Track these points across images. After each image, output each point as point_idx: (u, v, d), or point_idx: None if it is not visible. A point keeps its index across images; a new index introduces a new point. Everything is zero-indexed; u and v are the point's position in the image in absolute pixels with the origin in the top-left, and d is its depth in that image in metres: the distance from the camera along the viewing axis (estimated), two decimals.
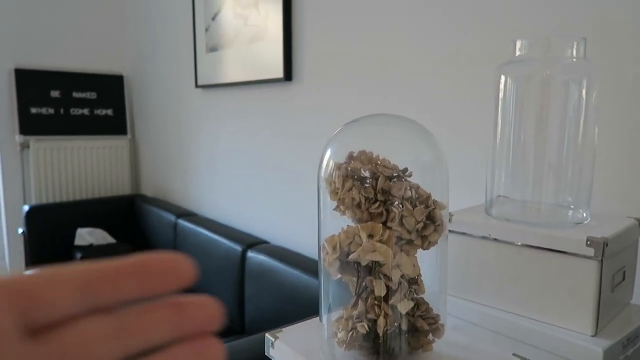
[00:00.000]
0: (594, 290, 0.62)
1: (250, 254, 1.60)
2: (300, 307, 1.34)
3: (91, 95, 2.67)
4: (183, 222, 2.04)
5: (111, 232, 2.42)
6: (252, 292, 1.57)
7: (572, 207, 0.74)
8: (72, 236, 2.29)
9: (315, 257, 1.52)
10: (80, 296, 0.17)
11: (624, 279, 0.69)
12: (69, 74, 2.59)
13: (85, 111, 2.66)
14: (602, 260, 0.61)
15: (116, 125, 2.75)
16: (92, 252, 2.19)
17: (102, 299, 0.17)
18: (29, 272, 0.16)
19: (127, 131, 2.78)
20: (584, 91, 0.72)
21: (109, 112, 2.72)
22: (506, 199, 0.78)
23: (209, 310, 0.18)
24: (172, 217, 2.13)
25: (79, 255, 2.15)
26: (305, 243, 1.60)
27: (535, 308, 0.67)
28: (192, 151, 2.26)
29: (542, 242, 0.66)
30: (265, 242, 1.70)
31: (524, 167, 0.77)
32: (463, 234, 0.74)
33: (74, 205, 2.47)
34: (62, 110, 2.58)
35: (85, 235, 2.27)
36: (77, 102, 2.62)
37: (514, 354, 0.53)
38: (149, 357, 0.17)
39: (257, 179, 1.82)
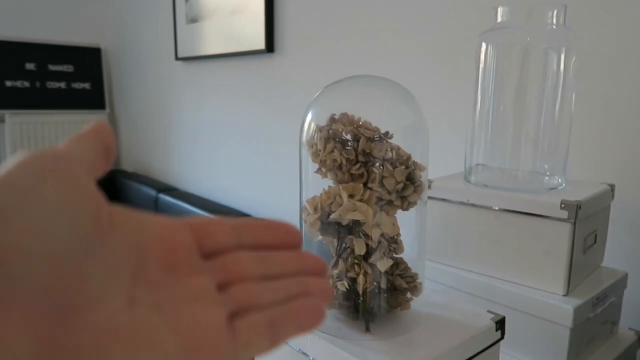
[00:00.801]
0: (566, 252, 0.64)
1: None
2: None
3: (68, 68, 2.61)
4: (164, 197, 2.03)
5: None
6: None
7: (548, 173, 0.76)
8: None
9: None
10: (234, 234, 0.23)
11: (595, 242, 0.72)
12: (44, 46, 2.51)
13: (62, 84, 2.59)
14: (575, 222, 0.63)
15: (94, 99, 2.69)
16: None
17: (246, 240, 0.23)
18: (199, 216, 0.23)
19: (105, 105, 2.72)
20: (562, 60, 0.73)
21: (87, 85, 2.66)
22: (485, 167, 0.79)
23: (319, 262, 0.25)
24: (153, 192, 2.12)
25: None
26: (288, 216, 1.61)
27: (511, 270, 0.69)
28: (173, 125, 2.23)
29: (518, 206, 0.68)
30: (247, 215, 1.70)
31: (503, 136, 0.78)
32: (442, 200, 0.76)
33: None
34: (38, 84, 2.51)
35: None
36: (53, 75, 2.56)
37: (488, 311, 0.55)
38: (283, 280, 0.23)
39: (239, 152, 1.82)
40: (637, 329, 0.77)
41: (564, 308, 0.62)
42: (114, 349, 0.17)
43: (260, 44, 1.58)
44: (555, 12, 0.73)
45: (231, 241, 0.23)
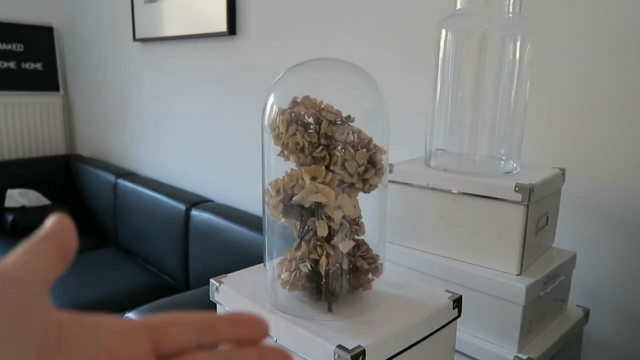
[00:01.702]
0: (520, 233, 0.67)
1: (194, 212, 1.58)
2: (247, 263, 1.35)
3: (18, 47, 2.48)
4: (123, 182, 1.98)
5: (46, 194, 2.31)
6: (197, 251, 1.56)
7: (504, 158, 0.79)
8: (2, 198, 2.16)
9: (260, 214, 1.53)
10: (195, 334, 0.23)
11: (547, 223, 0.75)
12: None
13: (12, 64, 2.47)
14: (528, 205, 0.66)
15: (47, 80, 2.57)
16: (26, 214, 2.09)
17: (208, 338, 0.23)
18: (157, 315, 0.23)
19: (59, 87, 2.61)
20: (518, 47, 0.75)
21: (38, 66, 2.54)
22: (444, 152, 0.81)
23: (283, 357, 0.24)
24: (111, 177, 2.06)
25: (10, 217, 2.04)
26: (250, 201, 1.60)
27: (467, 251, 0.72)
28: (132, 109, 2.17)
29: (475, 189, 0.70)
30: (209, 200, 1.69)
31: (461, 122, 0.80)
32: (403, 183, 0.77)
33: (3, 165, 2.32)
34: None
35: (17, 197, 2.15)
36: (1, 55, 2.43)
37: (446, 290, 0.56)
38: None
39: (201, 137, 1.79)
40: (585, 306, 0.81)
41: (517, 287, 0.65)
42: None
43: (222, 26, 1.55)
44: (511, 0, 0.75)
45: (191, 341, 0.23)
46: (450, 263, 0.72)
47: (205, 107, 1.74)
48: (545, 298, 0.71)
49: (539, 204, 0.70)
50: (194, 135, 1.82)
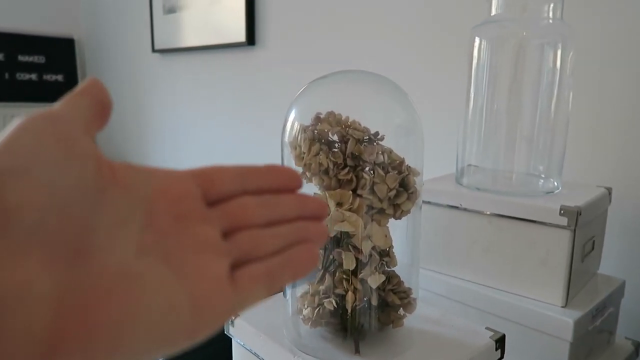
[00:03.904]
0: (565, 261, 0.61)
1: None
2: None
3: (39, 59, 2.49)
4: None
5: None
6: None
7: (543, 176, 0.72)
8: None
9: None
10: (238, 180, 0.24)
11: (593, 248, 0.68)
12: (13, 35, 2.40)
13: (33, 76, 2.48)
14: (575, 229, 0.60)
15: (67, 91, 2.55)
16: None
17: (250, 185, 0.24)
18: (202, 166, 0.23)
19: None
20: (559, 56, 0.69)
21: (59, 77, 2.55)
22: (477, 168, 0.75)
23: (320, 204, 0.26)
24: None
25: None
26: None
27: (505, 279, 0.66)
28: (151, 121, 2.15)
29: (513, 211, 0.64)
30: None
31: (496, 135, 0.74)
32: (433, 203, 0.71)
33: None
34: (7, 75, 2.40)
35: None
36: (23, 67, 2.44)
37: (486, 328, 0.50)
38: (284, 226, 0.24)
39: (220, 149, 1.75)
40: (634, 339, 0.74)
41: (564, 321, 0.58)
42: (123, 291, 0.18)
43: (241, 37, 1.52)
44: (551, 5, 0.69)
45: (235, 187, 0.24)
46: (486, 291, 0.66)
47: (224, 119, 1.70)
48: (593, 332, 0.64)
49: (586, 227, 0.63)
50: (213, 148, 1.78)
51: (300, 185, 0.25)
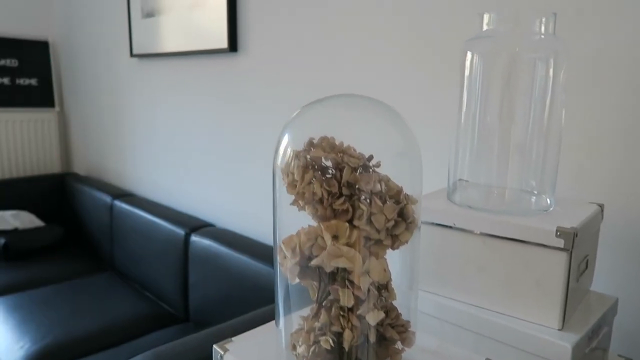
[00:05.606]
0: (562, 282, 0.59)
1: (194, 238, 1.51)
2: (249, 293, 1.27)
3: (12, 62, 2.42)
4: (120, 204, 1.90)
5: (39, 215, 2.23)
6: (197, 279, 1.48)
7: (535, 192, 0.71)
8: None
9: (265, 241, 1.45)
10: None
11: (587, 267, 0.67)
12: None
13: (6, 80, 2.40)
14: (571, 252, 0.58)
15: (42, 96, 2.51)
16: (18, 237, 2.00)
17: None
18: None
19: (54, 103, 2.54)
20: (551, 70, 0.68)
21: (33, 81, 2.48)
22: (469, 184, 0.74)
23: None
24: (107, 198, 1.98)
25: (2, 241, 1.95)
26: (253, 226, 1.53)
27: (499, 300, 0.64)
28: (129, 126, 2.10)
29: (507, 232, 0.63)
30: (210, 224, 1.61)
31: (488, 150, 0.73)
32: (424, 222, 0.70)
33: None
34: None
35: (9, 219, 2.07)
36: None
37: (486, 359, 0.49)
38: None
39: (201, 157, 1.71)
40: (626, 356, 0.74)
41: (561, 345, 0.57)
42: None
43: (223, 42, 1.48)
44: (543, 20, 0.68)
45: None
46: (480, 313, 0.65)
47: (206, 125, 1.66)
48: (590, 353, 0.63)
49: (580, 247, 0.62)
50: (194, 154, 1.74)
51: None
